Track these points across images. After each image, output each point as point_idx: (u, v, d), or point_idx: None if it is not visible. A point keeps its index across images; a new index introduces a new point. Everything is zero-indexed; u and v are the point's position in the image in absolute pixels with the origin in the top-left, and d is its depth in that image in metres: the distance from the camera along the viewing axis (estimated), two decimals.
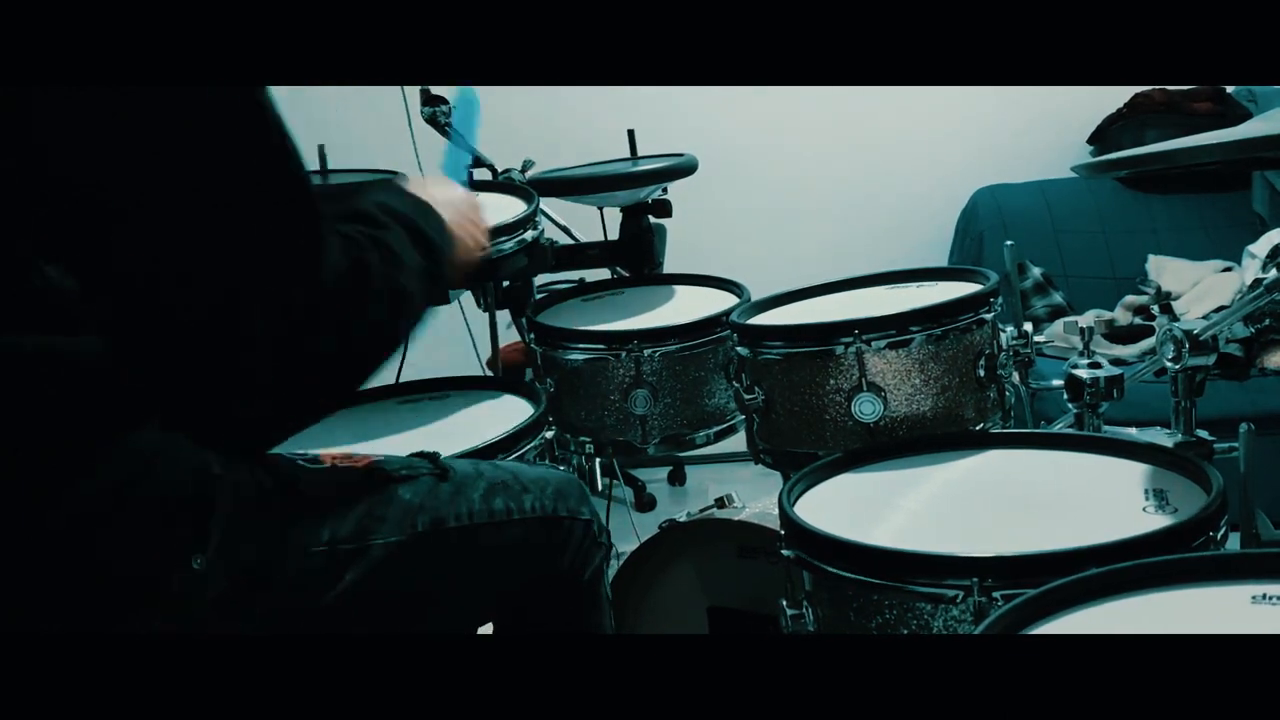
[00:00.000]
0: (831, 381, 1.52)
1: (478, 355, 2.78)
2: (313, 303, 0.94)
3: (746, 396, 1.59)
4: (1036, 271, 3.36)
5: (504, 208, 1.99)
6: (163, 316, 0.90)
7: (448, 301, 2.14)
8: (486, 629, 1.35)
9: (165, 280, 0.89)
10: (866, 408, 1.50)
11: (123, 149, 0.85)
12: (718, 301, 2.00)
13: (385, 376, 2.09)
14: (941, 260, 3.57)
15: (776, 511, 1.37)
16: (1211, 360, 1.42)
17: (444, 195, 1.25)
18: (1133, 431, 1.48)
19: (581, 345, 1.90)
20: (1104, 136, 3.63)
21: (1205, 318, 1.45)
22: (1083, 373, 1.51)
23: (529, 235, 1.88)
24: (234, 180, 0.90)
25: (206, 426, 0.96)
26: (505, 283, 2.20)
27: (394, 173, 2.67)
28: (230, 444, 1.00)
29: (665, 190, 2.36)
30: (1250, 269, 3.17)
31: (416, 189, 1.21)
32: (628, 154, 2.52)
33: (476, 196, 1.34)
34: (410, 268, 1.07)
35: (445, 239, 1.19)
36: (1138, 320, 3.17)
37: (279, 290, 0.92)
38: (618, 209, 2.40)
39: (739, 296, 2.01)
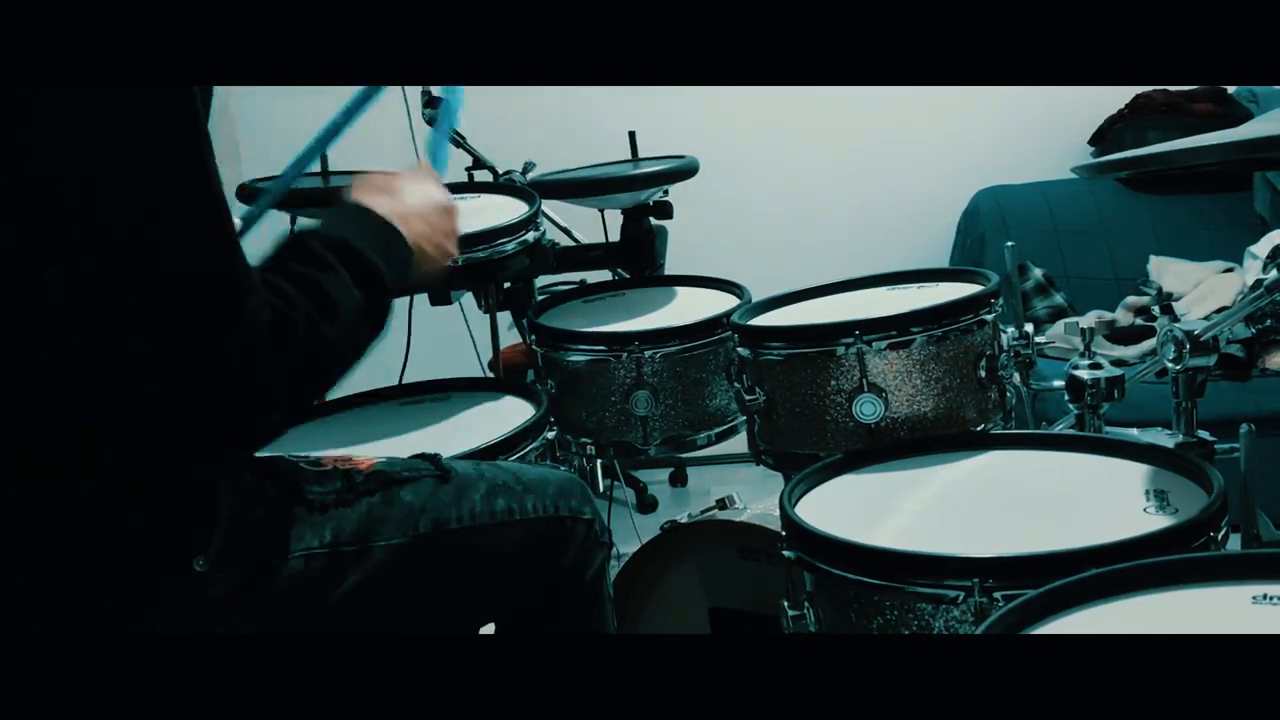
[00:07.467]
0: (832, 382, 1.52)
1: (479, 357, 2.78)
2: (232, 350, 0.91)
3: (747, 397, 1.59)
4: (1038, 272, 3.35)
5: (505, 209, 1.99)
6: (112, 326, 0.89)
7: (449, 302, 2.14)
8: (488, 629, 1.35)
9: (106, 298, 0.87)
10: (867, 409, 1.50)
11: (101, 148, 0.85)
12: (719, 303, 2.00)
13: (388, 378, 2.11)
14: (943, 261, 3.56)
15: (778, 512, 1.37)
16: (1213, 361, 1.42)
17: (415, 200, 1.18)
18: (1134, 432, 1.48)
19: (583, 346, 1.90)
20: (1105, 137, 3.63)
21: (1206, 318, 1.44)
22: (1084, 373, 1.51)
23: (530, 237, 1.88)
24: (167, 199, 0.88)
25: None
26: (506, 284, 2.20)
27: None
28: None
29: (666, 192, 2.36)
30: (1252, 270, 3.17)
31: (385, 195, 1.15)
32: (629, 156, 2.52)
33: (451, 197, 1.25)
34: (344, 315, 1.01)
35: (400, 264, 1.12)
36: (1139, 321, 3.17)
37: (203, 331, 0.90)
38: (619, 211, 2.41)
39: (740, 298, 2.01)
